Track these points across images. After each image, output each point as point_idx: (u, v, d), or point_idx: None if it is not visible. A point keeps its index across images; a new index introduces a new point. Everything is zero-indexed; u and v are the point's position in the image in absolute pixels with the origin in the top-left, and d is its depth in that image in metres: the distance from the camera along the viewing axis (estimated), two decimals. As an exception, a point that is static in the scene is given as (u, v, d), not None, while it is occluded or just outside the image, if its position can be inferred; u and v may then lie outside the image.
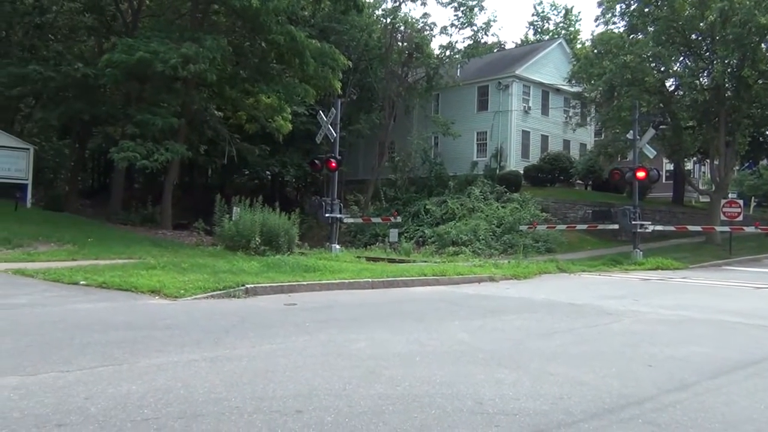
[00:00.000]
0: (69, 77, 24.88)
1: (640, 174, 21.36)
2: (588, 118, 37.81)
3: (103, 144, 28.60)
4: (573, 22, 63.60)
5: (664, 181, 37.18)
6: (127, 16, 30.28)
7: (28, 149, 25.28)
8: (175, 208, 30.77)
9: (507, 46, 51.76)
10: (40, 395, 4.26)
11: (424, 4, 53.06)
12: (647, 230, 22.27)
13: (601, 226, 24.83)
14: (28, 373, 4.81)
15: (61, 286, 10.17)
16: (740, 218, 25.35)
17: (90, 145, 35.68)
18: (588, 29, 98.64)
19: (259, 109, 30.79)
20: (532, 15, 68.69)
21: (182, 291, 9.57)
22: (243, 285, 10.27)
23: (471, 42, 38.76)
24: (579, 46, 49.53)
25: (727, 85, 27.01)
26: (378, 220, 28.48)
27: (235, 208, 19.13)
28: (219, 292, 9.85)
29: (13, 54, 27.42)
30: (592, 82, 29.97)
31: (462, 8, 37.56)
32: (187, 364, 5.30)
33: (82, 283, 10.28)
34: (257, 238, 17.23)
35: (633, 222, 21.32)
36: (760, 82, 27.23)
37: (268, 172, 43.68)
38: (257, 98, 30.07)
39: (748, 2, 23.51)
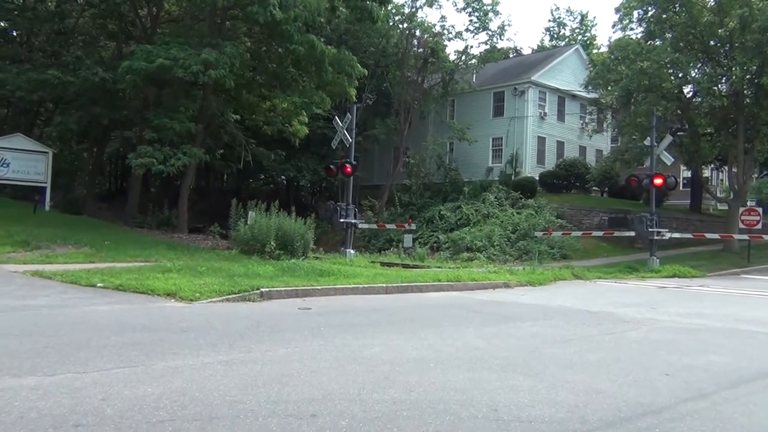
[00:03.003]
0: (88, 82, 25.15)
1: (658, 181, 21.16)
2: (604, 125, 37.60)
3: (120, 148, 28.90)
4: (589, 28, 63.39)
5: (681, 188, 36.85)
6: (146, 22, 30.60)
7: (47, 153, 25.60)
8: (191, 211, 30.96)
9: (523, 52, 51.67)
10: (57, 396, 4.29)
11: (440, 7, 53.08)
12: (664, 237, 22.07)
13: (617, 233, 24.64)
14: (46, 374, 4.86)
15: (79, 288, 10.25)
16: (759, 226, 25.08)
17: (108, 149, 36.04)
18: (604, 35, 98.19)
19: (276, 113, 30.94)
20: (549, 21, 68.60)
21: (198, 294, 9.61)
22: (258, 289, 10.30)
23: (486, 47, 38.75)
24: (595, 52, 49.35)
25: (746, 91, 26.76)
26: (393, 226, 28.46)
27: (250, 212, 19.19)
28: (234, 295, 9.88)
29: (35, 59, 27.76)
30: (609, 88, 29.83)
31: (476, 13, 37.56)
32: (203, 366, 5.32)
33: (99, 285, 10.36)
34: (272, 243, 17.26)
35: (650, 229, 21.12)
36: (780, 89, 26.94)
37: (283, 177, 43.89)
38: (273, 103, 30.21)
39: (768, 9, 23.31)
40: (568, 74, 38.99)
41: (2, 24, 30.51)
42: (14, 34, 31.33)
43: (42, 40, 31.30)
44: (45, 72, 25.04)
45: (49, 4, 30.86)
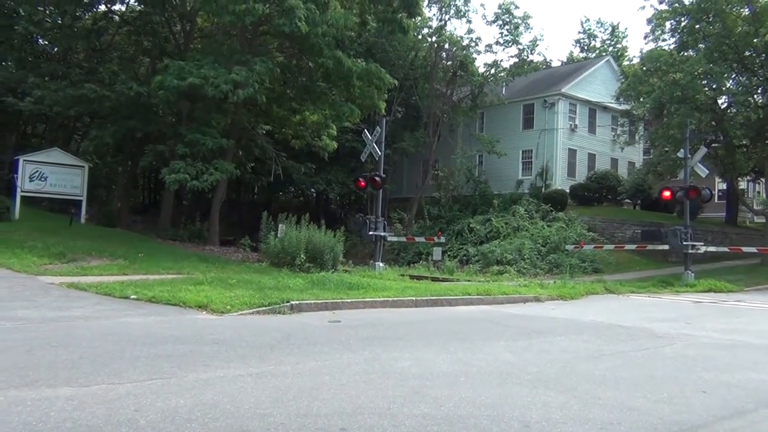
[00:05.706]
0: (123, 96, 25.70)
1: (692, 193, 20.80)
2: (636, 137, 37.12)
3: (153, 162, 29.44)
4: (620, 39, 62.66)
5: (716, 200, 36.11)
6: (179, 38, 31.21)
7: (83, 167, 26.17)
8: (222, 224, 31.32)
9: (553, 64, 51.38)
10: (92, 406, 4.36)
11: (469, 21, 53.03)
12: (699, 251, 21.64)
13: (650, 247, 24.22)
14: (81, 385, 4.94)
15: (113, 299, 10.41)
16: (798, 240, 24.42)
17: (141, 163, 36.73)
18: (635, 46, 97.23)
19: (306, 126, 31.22)
20: (579, 32, 67.87)
21: (229, 306, 9.70)
22: (288, 301, 10.36)
23: (516, 60, 38.60)
24: (626, 63, 48.83)
25: (782, 102, 26.24)
26: (422, 239, 28.38)
27: (280, 225, 19.34)
28: (264, 308, 9.95)
29: (73, 76, 28.45)
30: (641, 99, 29.48)
31: (507, 26, 37.45)
32: (234, 379, 5.36)
33: (132, 297, 10.51)
34: (302, 255, 17.35)
35: (684, 242, 20.73)
36: (818, 99, 26.37)
37: (313, 190, 44.18)
38: (303, 116, 30.50)
39: (805, 18, 22.86)
40: (599, 86, 38.65)
41: (42, 42, 31.40)
42: (53, 51, 32.20)
43: (79, 57, 32.09)
44: (82, 87, 25.64)
45: (87, 21, 31.66)
